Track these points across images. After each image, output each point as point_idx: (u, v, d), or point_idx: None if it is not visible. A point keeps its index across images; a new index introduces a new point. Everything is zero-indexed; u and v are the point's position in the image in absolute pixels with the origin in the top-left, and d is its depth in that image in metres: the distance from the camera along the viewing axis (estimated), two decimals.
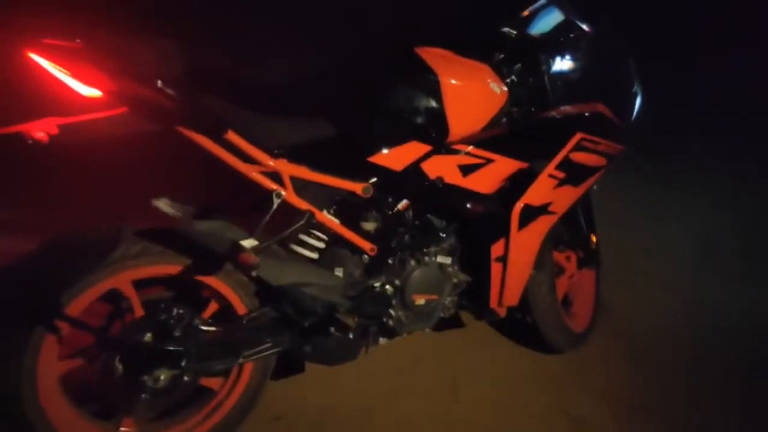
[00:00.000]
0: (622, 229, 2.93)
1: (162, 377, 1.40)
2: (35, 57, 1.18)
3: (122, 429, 1.47)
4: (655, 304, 2.77)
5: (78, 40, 1.19)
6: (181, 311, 1.43)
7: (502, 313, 1.95)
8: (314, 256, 1.65)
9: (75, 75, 1.20)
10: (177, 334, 1.40)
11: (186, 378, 1.43)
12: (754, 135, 3.82)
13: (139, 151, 1.42)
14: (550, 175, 1.79)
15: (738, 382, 2.25)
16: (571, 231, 2.17)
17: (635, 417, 2.00)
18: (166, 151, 1.45)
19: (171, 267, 1.44)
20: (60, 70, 1.19)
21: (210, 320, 1.50)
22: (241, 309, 1.56)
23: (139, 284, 1.44)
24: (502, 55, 1.88)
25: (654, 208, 3.44)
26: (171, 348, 1.37)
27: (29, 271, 1.30)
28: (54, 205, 1.41)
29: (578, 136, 1.80)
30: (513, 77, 1.88)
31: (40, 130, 1.20)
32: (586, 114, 1.87)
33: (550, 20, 1.93)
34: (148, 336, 1.41)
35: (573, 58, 1.92)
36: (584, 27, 1.91)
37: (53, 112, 1.23)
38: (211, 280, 1.50)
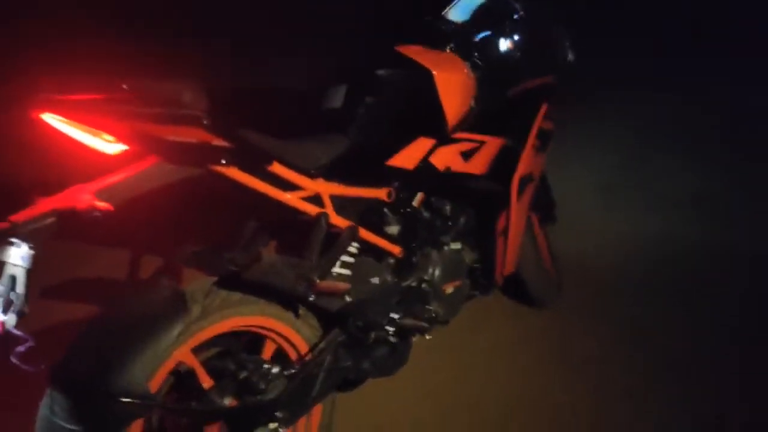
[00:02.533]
0: None
1: None
2: (48, 118, 1.02)
3: None
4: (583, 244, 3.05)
5: (123, 86, 1.04)
6: (252, 364, 1.33)
7: (500, 282, 2.08)
8: (345, 272, 1.61)
9: (99, 130, 1.05)
10: (262, 386, 1.30)
11: (281, 430, 1.33)
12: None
13: (171, 203, 1.28)
14: (533, 145, 1.94)
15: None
16: (538, 193, 2.36)
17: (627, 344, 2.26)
18: (190, 199, 1.32)
19: (235, 320, 1.32)
20: (79, 129, 1.05)
21: (283, 363, 1.41)
22: (301, 343, 1.48)
23: None
24: (452, 45, 1.98)
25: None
26: (268, 401, 1.27)
27: (96, 358, 1.12)
28: (102, 275, 1.22)
29: (545, 106, 1.97)
30: (469, 63, 1.99)
31: (72, 204, 1.04)
32: (545, 85, 2.06)
33: (473, 5, 2.07)
34: (229, 400, 1.29)
35: (515, 38, 2.07)
36: (516, 7, 2.08)
37: (78, 179, 1.08)
38: (269, 321, 1.41)
